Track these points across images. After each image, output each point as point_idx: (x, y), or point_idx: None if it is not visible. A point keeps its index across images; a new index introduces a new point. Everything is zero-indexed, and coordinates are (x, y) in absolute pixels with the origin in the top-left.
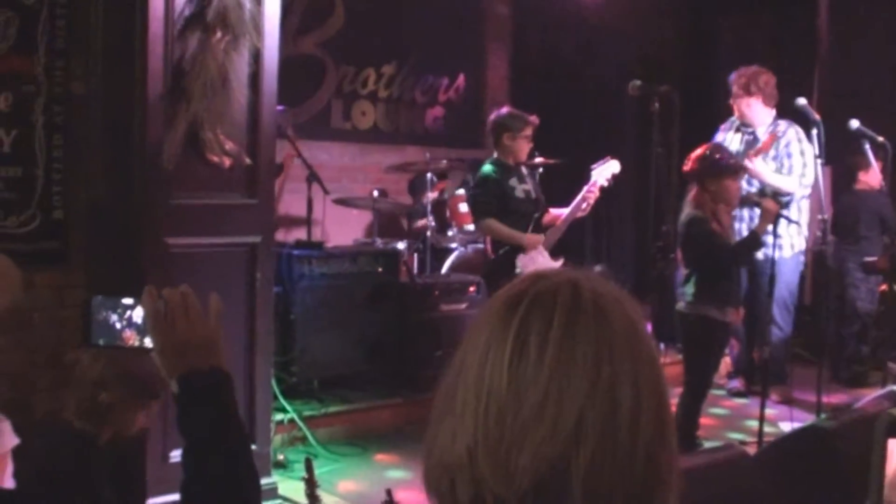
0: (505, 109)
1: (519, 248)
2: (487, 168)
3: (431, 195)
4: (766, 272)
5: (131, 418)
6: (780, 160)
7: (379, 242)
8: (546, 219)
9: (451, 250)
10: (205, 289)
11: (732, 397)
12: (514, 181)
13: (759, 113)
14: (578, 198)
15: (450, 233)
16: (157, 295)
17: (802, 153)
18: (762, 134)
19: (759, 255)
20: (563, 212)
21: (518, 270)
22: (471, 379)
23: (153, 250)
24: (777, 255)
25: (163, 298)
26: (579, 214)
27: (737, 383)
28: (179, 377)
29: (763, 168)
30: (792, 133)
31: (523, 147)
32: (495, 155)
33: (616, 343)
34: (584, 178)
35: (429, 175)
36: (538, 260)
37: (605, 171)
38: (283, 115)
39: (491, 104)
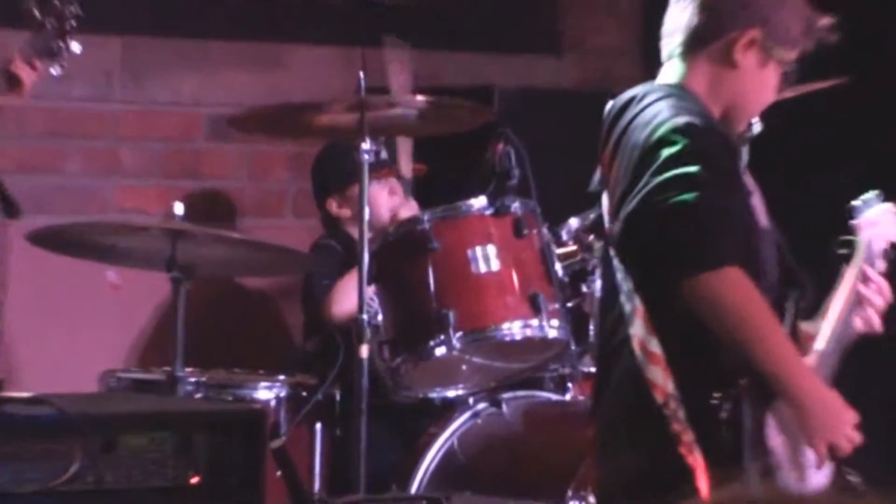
0: None
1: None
2: (694, 120)
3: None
4: None
5: None
6: None
7: (188, 383)
8: None
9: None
10: None
11: None
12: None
13: None
14: (847, 291)
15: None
16: None
17: None
18: None
19: None
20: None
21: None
22: None
23: None
24: None
25: None
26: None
27: None
28: None
29: None
30: None
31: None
32: (676, 81)
33: None
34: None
35: (368, 147)
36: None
37: (883, 222)
38: None
39: None
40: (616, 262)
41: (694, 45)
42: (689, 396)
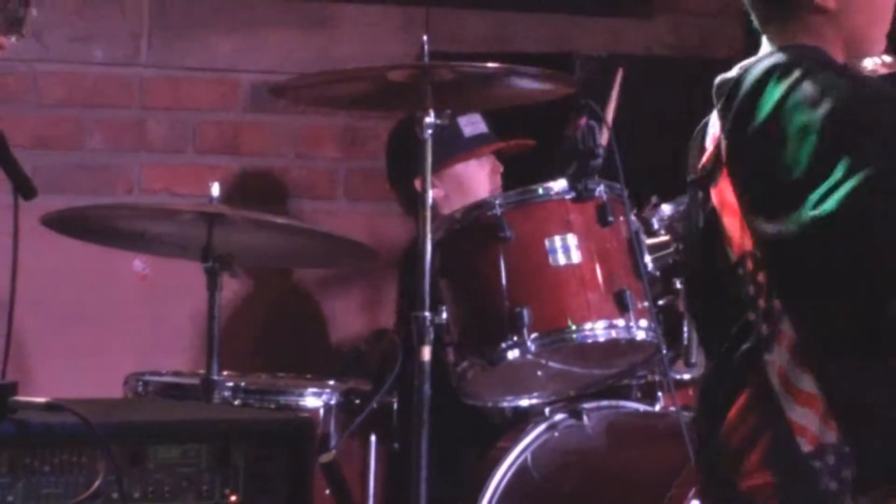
0: None
1: None
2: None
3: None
4: None
5: None
6: None
7: (225, 389)
8: None
9: None
10: None
11: None
12: None
13: None
14: None
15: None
16: None
17: None
18: None
19: None
20: None
21: None
22: None
23: None
24: None
25: None
26: None
27: None
28: None
29: None
30: None
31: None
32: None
33: None
34: None
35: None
36: None
37: None
38: None
39: None
40: (745, 272)
41: (771, 15)
42: (871, 461)
